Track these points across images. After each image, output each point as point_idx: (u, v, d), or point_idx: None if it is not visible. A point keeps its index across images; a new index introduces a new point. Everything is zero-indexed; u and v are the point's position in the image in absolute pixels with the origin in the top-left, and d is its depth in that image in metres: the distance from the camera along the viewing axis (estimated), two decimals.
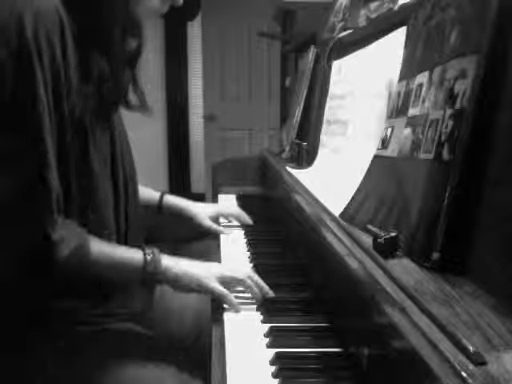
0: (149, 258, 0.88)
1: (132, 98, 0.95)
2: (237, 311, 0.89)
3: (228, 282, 0.91)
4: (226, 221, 1.45)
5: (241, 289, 0.94)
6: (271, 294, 0.93)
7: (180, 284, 0.91)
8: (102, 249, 0.86)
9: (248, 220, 1.43)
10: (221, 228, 1.38)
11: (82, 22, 0.82)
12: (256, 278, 0.94)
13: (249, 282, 0.92)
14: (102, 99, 0.87)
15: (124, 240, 0.96)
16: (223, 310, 0.89)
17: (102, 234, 0.89)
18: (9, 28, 0.75)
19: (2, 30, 0.75)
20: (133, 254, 0.88)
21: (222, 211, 1.44)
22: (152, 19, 0.93)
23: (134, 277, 0.89)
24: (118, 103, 0.92)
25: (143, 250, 0.89)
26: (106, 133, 0.90)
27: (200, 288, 0.90)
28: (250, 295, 0.93)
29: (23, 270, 0.81)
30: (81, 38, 0.82)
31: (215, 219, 1.40)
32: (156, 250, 0.90)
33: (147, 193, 1.25)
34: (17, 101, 0.77)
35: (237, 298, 0.91)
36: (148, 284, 0.90)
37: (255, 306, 0.90)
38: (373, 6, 1.36)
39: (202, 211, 1.36)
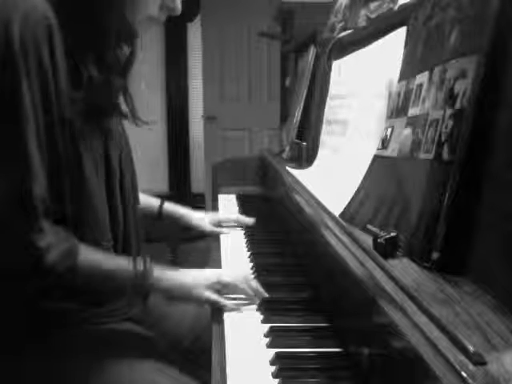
0: (139, 269, 0.87)
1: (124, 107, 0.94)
2: (235, 310, 0.89)
3: (220, 288, 0.91)
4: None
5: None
6: (266, 295, 0.93)
7: (172, 296, 0.92)
8: (92, 257, 0.85)
9: (248, 222, 1.43)
10: (222, 230, 1.38)
11: (74, 27, 0.81)
12: (250, 280, 0.94)
13: (242, 285, 0.92)
14: (92, 105, 0.86)
15: (122, 247, 0.95)
16: (223, 310, 0.89)
17: (97, 241, 0.88)
18: None
19: None
20: (123, 265, 0.87)
21: (221, 218, 1.44)
22: (151, 27, 0.93)
23: (124, 287, 0.89)
24: (108, 110, 0.91)
25: (134, 260, 0.88)
26: (98, 138, 0.89)
27: (192, 299, 0.91)
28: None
29: (12, 275, 0.81)
30: (73, 43, 0.81)
31: (216, 226, 1.40)
32: (148, 261, 0.89)
33: (146, 200, 1.25)
34: (1, 110, 0.76)
35: (236, 298, 0.91)
36: (139, 294, 0.90)
37: (255, 306, 0.90)
38: (373, 5, 1.36)
39: (201, 217, 1.37)
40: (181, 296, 0.91)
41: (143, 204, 1.17)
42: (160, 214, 1.28)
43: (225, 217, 1.46)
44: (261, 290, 0.93)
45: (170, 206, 1.31)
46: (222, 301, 0.90)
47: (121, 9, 0.84)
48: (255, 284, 0.93)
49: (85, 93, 0.84)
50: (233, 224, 1.44)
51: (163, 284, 0.90)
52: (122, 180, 0.95)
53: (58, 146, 0.82)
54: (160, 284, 0.89)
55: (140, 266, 0.87)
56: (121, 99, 0.93)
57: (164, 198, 1.33)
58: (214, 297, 0.90)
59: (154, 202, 1.29)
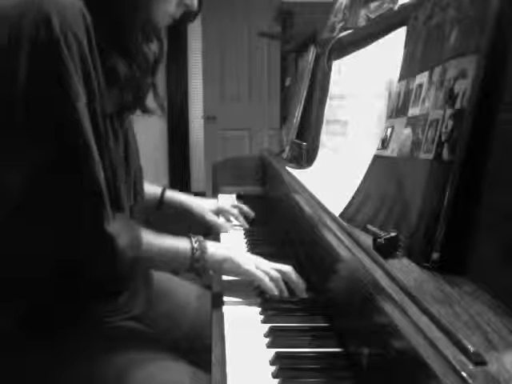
0: (196, 245, 0.92)
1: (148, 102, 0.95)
2: (274, 295, 0.92)
3: (265, 271, 0.94)
4: (225, 220, 1.45)
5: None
6: (304, 295, 0.94)
7: (223, 269, 0.96)
8: (152, 240, 0.89)
9: (248, 212, 1.43)
10: (224, 224, 1.38)
11: (103, 25, 0.81)
12: (292, 275, 0.95)
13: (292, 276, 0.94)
14: (123, 104, 0.87)
15: None
16: (223, 307, 0.89)
17: None
18: (38, 29, 0.73)
19: (32, 31, 0.73)
20: (180, 243, 0.92)
21: (222, 206, 1.44)
22: (166, 24, 0.94)
23: (182, 264, 0.93)
24: (135, 107, 0.92)
25: (189, 237, 0.93)
26: (119, 137, 0.90)
27: (240, 273, 0.95)
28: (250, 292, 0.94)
29: (85, 265, 0.82)
30: (103, 41, 0.82)
31: (216, 214, 1.40)
32: (201, 237, 0.94)
33: (147, 188, 1.26)
34: (56, 107, 0.76)
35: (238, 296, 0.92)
36: (195, 270, 0.93)
37: (256, 307, 0.90)
38: (373, 5, 1.36)
39: (203, 205, 1.37)
40: (231, 269, 0.95)
41: (146, 191, 1.17)
42: (161, 202, 1.30)
43: (225, 205, 1.46)
44: (302, 287, 0.95)
45: (171, 194, 1.33)
46: (267, 281, 0.92)
47: (146, 6, 0.85)
48: (297, 279, 0.95)
49: (118, 91, 0.85)
50: (233, 213, 1.44)
51: (217, 258, 0.94)
52: (135, 177, 0.96)
53: (102, 139, 0.82)
54: (214, 258, 0.94)
55: (196, 243, 0.92)
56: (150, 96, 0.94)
57: (165, 187, 1.33)
58: (261, 274, 0.93)
59: (157, 190, 1.30)
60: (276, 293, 0.92)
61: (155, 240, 0.90)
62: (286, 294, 0.93)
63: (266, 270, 0.94)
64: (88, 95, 0.78)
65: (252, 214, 1.44)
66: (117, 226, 0.80)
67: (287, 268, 0.96)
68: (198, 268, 0.93)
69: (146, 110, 0.95)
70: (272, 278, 0.93)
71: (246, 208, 1.45)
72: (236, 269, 0.95)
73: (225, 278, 1.01)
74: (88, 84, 0.78)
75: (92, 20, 0.79)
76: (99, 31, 0.80)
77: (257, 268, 0.94)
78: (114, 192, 0.86)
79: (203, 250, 0.92)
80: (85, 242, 0.80)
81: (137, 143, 1.02)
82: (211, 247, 0.94)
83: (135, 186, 0.97)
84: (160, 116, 0.99)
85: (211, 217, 1.38)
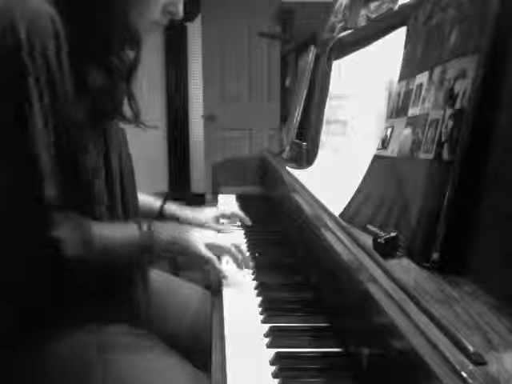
0: (144, 228, 0.92)
1: (127, 111, 0.95)
2: (223, 277, 1.00)
3: (215, 249, 1.00)
4: (225, 221, 1.45)
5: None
6: (250, 265, 1.06)
7: (172, 250, 0.98)
8: (103, 232, 0.88)
9: (247, 221, 1.42)
10: (222, 226, 1.38)
11: (78, 32, 0.82)
12: (241, 247, 1.05)
13: (233, 250, 1.02)
14: (96, 111, 0.87)
15: None
16: (223, 307, 0.89)
17: None
18: (4, 35, 0.75)
19: None
20: (129, 229, 0.93)
21: (221, 213, 1.44)
22: (153, 32, 0.93)
23: (133, 250, 0.93)
24: (111, 116, 0.92)
25: (138, 223, 0.93)
26: (99, 141, 0.90)
27: (189, 253, 0.97)
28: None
29: (32, 271, 0.83)
30: (77, 48, 0.82)
31: (216, 221, 1.40)
32: (151, 221, 0.95)
33: (147, 201, 1.25)
34: (9, 111, 0.77)
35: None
36: (146, 254, 0.95)
37: (256, 307, 0.90)
38: (373, 5, 1.36)
39: (201, 216, 1.36)
40: (181, 250, 0.97)
41: (144, 204, 1.17)
42: (161, 215, 1.28)
43: (224, 210, 1.45)
44: (248, 259, 1.05)
45: (170, 208, 1.30)
46: (215, 260, 0.98)
47: (125, 14, 0.85)
48: (244, 252, 1.05)
49: (90, 98, 0.85)
50: (231, 218, 1.43)
51: (166, 240, 0.95)
52: (122, 181, 0.95)
53: (68, 146, 0.83)
54: (163, 241, 0.94)
55: (144, 227, 0.93)
56: (125, 103, 0.94)
57: (165, 197, 1.32)
58: (210, 255, 0.98)
59: (155, 204, 1.28)
60: (225, 277, 1.00)
61: (107, 232, 0.89)
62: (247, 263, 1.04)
63: (215, 251, 0.99)
64: (53, 102, 0.79)
65: (249, 222, 1.43)
66: (64, 230, 0.81)
67: (235, 242, 1.04)
68: (147, 252, 0.94)
69: (123, 118, 0.95)
70: (230, 252, 1.01)
71: (242, 215, 1.44)
72: (187, 250, 0.97)
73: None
74: (54, 91, 0.79)
75: (67, 27, 0.79)
76: (75, 38, 0.81)
77: (209, 249, 0.98)
78: (91, 202, 0.88)
79: (151, 234, 0.92)
80: (32, 247, 0.81)
81: (128, 151, 1.01)
82: (159, 230, 0.94)
83: (123, 196, 0.96)
84: (143, 129, 0.99)
85: (210, 224, 1.36)
